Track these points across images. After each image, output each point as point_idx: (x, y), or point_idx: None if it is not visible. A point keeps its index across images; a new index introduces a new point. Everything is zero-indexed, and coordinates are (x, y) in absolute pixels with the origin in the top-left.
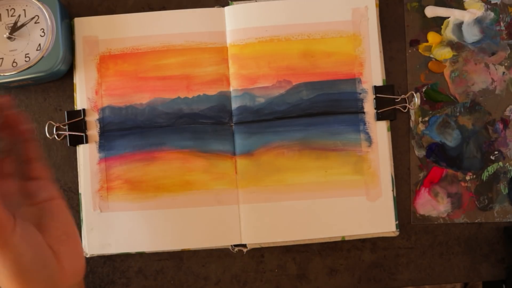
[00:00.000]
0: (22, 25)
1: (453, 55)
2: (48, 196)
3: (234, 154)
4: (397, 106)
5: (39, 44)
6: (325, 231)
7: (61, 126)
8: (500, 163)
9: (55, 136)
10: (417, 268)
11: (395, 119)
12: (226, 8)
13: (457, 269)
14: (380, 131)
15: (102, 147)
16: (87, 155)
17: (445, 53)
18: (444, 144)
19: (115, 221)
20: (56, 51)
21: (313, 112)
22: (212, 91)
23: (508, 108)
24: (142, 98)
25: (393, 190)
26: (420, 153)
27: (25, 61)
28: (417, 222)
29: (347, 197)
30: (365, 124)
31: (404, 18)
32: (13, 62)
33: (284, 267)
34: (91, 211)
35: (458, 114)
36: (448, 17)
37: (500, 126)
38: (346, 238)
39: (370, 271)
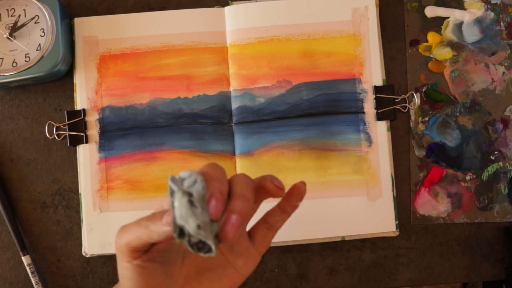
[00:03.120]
0: (22, 25)
1: (453, 55)
2: (241, 268)
3: (234, 154)
4: (397, 106)
5: (39, 44)
6: (325, 231)
7: (61, 126)
8: (500, 163)
9: (55, 136)
10: (417, 268)
11: (395, 119)
12: (226, 8)
13: (457, 269)
14: (380, 131)
15: (102, 147)
16: (87, 155)
17: (445, 53)
18: (444, 144)
19: (115, 221)
20: (56, 51)
21: (313, 112)
22: (212, 91)
23: (508, 108)
24: (142, 98)
25: (393, 190)
26: (420, 153)
27: (25, 61)
28: (417, 222)
29: (347, 197)
30: (365, 124)
31: (404, 18)
32: (13, 62)
33: (284, 267)
34: (91, 211)
35: (458, 114)
36: (448, 17)
37: (500, 126)
38: (346, 238)
39: (370, 271)
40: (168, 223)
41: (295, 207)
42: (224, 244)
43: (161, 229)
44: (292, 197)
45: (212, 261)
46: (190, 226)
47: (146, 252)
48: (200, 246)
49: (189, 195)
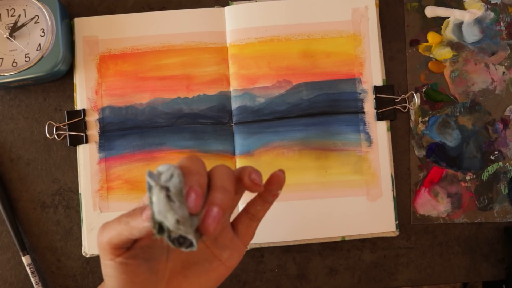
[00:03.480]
0: (22, 25)
1: (453, 55)
2: (227, 260)
3: (234, 154)
4: (397, 106)
5: (39, 44)
6: (325, 231)
7: (61, 126)
8: (500, 163)
9: (55, 136)
10: (417, 268)
11: (395, 119)
12: (226, 8)
13: (457, 269)
14: (380, 131)
15: (102, 147)
16: (87, 155)
17: (445, 53)
18: (444, 144)
19: None
20: (56, 51)
21: (313, 112)
22: (212, 91)
23: (508, 108)
24: (142, 98)
25: (393, 190)
26: (420, 153)
27: (25, 61)
28: (417, 222)
29: (347, 197)
30: (365, 124)
31: (404, 18)
32: (13, 62)
33: (284, 267)
34: (91, 211)
35: (458, 114)
36: (448, 17)
37: (500, 126)
38: (346, 238)
39: (370, 271)
40: (148, 219)
41: (275, 195)
42: (206, 238)
43: (141, 225)
44: (272, 186)
45: (197, 255)
46: (169, 221)
47: (129, 249)
48: (181, 241)
49: (166, 189)
